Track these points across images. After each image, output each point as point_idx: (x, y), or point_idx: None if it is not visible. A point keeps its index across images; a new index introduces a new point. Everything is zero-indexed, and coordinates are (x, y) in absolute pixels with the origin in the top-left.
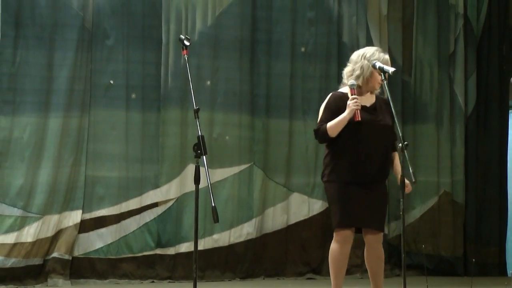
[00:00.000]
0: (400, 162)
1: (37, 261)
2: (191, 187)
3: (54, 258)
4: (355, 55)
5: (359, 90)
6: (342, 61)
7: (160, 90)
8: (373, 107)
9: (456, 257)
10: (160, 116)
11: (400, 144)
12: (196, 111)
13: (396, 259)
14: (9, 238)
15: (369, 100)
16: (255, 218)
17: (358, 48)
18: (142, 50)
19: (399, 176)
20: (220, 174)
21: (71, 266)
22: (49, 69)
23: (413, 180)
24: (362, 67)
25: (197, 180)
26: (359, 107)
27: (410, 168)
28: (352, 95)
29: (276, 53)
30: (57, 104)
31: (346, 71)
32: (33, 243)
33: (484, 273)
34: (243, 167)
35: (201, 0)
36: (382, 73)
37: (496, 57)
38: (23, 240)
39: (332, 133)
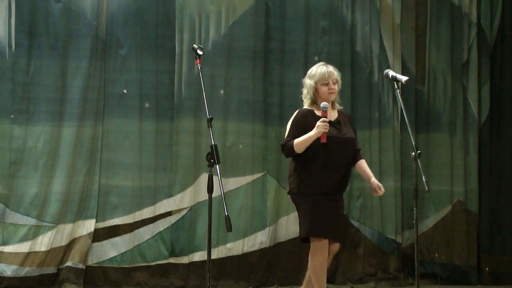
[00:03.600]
0: (414, 171)
1: (51, 270)
2: (204, 196)
3: (68, 267)
4: (305, 77)
5: (317, 106)
6: (356, 70)
7: (174, 99)
8: (337, 121)
9: (469, 266)
10: (173, 125)
11: (413, 153)
12: (210, 120)
13: (410, 268)
14: (23, 247)
15: (332, 115)
16: (269, 227)
17: (371, 57)
18: (156, 59)
19: (371, 180)
20: (234, 183)
21: (85, 275)
22: (62, 79)
23: (427, 189)
24: (307, 87)
25: (210, 189)
26: (327, 130)
27: (423, 177)
28: (322, 116)
29: (289, 62)
30: (70, 114)
31: (302, 95)
32: (47, 252)
33: (497, 282)
34: (256, 176)
35: (215, 9)
36: (395, 82)
37: (509, 66)
38: (37, 249)
39: (299, 150)
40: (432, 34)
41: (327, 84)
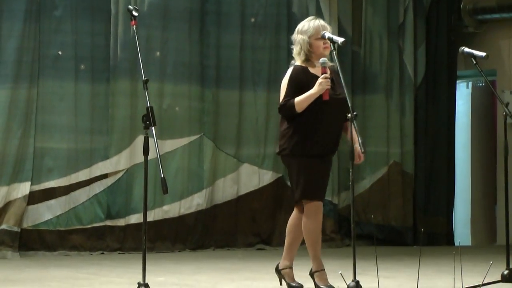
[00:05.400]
0: (350, 133)
1: None
2: (140, 158)
3: (2, 230)
4: (294, 34)
5: (310, 63)
6: (292, 32)
7: (109, 61)
8: (331, 79)
9: (405, 227)
10: (109, 87)
11: (349, 115)
12: (145, 82)
13: (346, 229)
14: None
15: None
16: (205, 189)
17: None
18: (91, 21)
19: (355, 146)
20: (170, 145)
21: (20, 238)
22: None
23: (362, 151)
24: (299, 42)
25: (146, 151)
26: (329, 86)
27: (359, 139)
28: (323, 73)
29: (226, 24)
30: (5, 76)
31: (294, 52)
32: None
33: (432, 243)
34: (193, 138)
35: None
36: (331, 44)
37: (445, 28)
38: None
39: (300, 109)
40: None
41: (322, 38)
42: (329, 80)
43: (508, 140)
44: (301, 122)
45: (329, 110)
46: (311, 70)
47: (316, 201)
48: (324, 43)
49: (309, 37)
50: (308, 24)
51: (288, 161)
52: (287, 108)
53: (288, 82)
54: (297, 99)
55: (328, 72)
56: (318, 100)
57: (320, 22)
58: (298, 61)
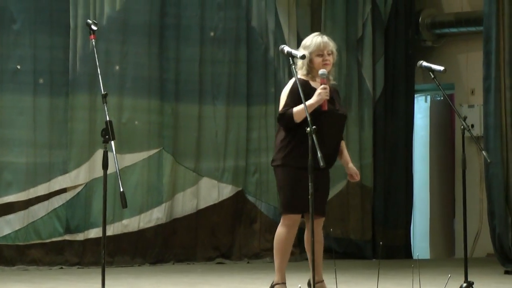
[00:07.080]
0: (310, 146)
1: None
2: (100, 172)
3: None
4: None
5: (311, 77)
6: (251, 46)
7: (68, 75)
8: (331, 95)
9: (364, 240)
10: (68, 101)
11: (309, 129)
12: (104, 96)
13: None
14: None
15: None
16: (165, 203)
17: (267, 32)
18: (50, 35)
19: (349, 165)
20: (130, 159)
21: None
22: None
23: (321, 164)
24: None
25: (105, 165)
26: (328, 97)
27: (318, 153)
28: (322, 84)
29: (185, 38)
30: None
31: (297, 66)
32: None
33: (391, 256)
34: (152, 152)
35: None
36: (291, 58)
37: (403, 42)
38: None
39: (298, 118)
40: (327, 9)
41: (321, 55)
42: (328, 91)
43: (466, 154)
44: (298, 133)
45: (327, 124)
46: (312, 83)
47: (293, 214)
48: (323, 60)
49: (310, 53)
50: (311, 40)
51: (276, 172)
52: (286, 117)
53: (289, 92)
54: (295, 109)
55: (328, 83)
56: (317, 113)
57: (323, 39)
58: (299, 74)
